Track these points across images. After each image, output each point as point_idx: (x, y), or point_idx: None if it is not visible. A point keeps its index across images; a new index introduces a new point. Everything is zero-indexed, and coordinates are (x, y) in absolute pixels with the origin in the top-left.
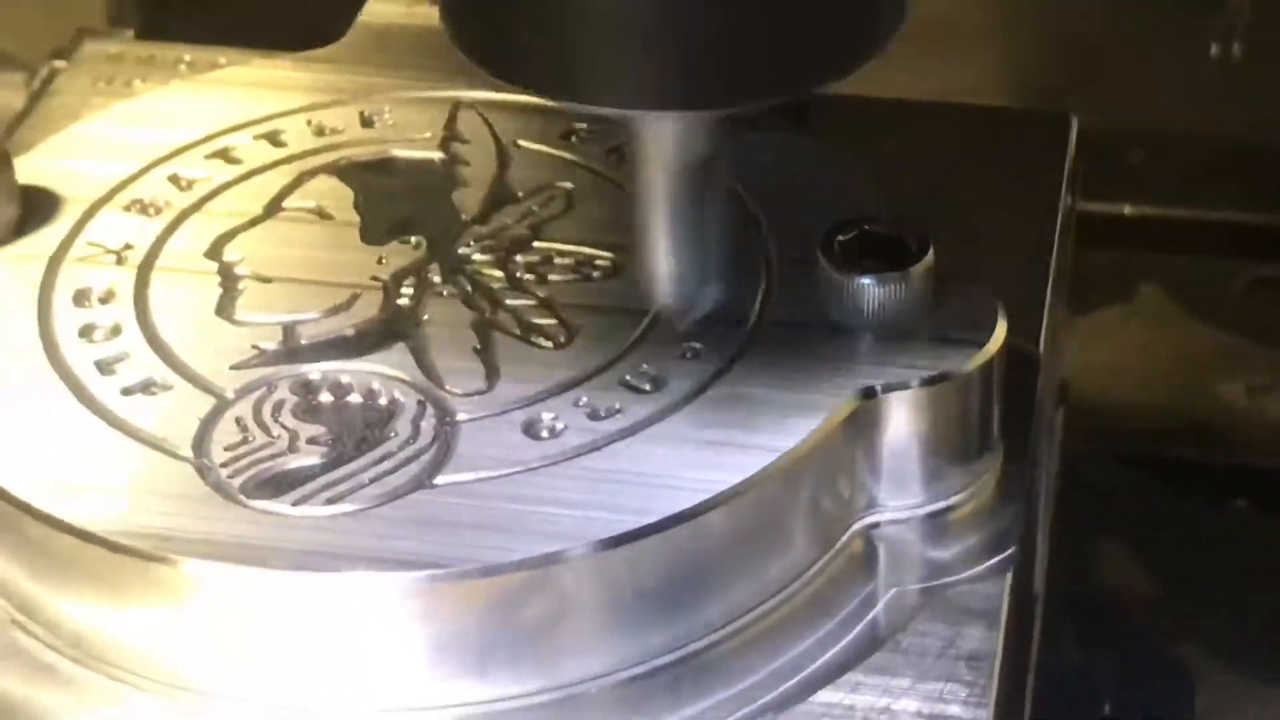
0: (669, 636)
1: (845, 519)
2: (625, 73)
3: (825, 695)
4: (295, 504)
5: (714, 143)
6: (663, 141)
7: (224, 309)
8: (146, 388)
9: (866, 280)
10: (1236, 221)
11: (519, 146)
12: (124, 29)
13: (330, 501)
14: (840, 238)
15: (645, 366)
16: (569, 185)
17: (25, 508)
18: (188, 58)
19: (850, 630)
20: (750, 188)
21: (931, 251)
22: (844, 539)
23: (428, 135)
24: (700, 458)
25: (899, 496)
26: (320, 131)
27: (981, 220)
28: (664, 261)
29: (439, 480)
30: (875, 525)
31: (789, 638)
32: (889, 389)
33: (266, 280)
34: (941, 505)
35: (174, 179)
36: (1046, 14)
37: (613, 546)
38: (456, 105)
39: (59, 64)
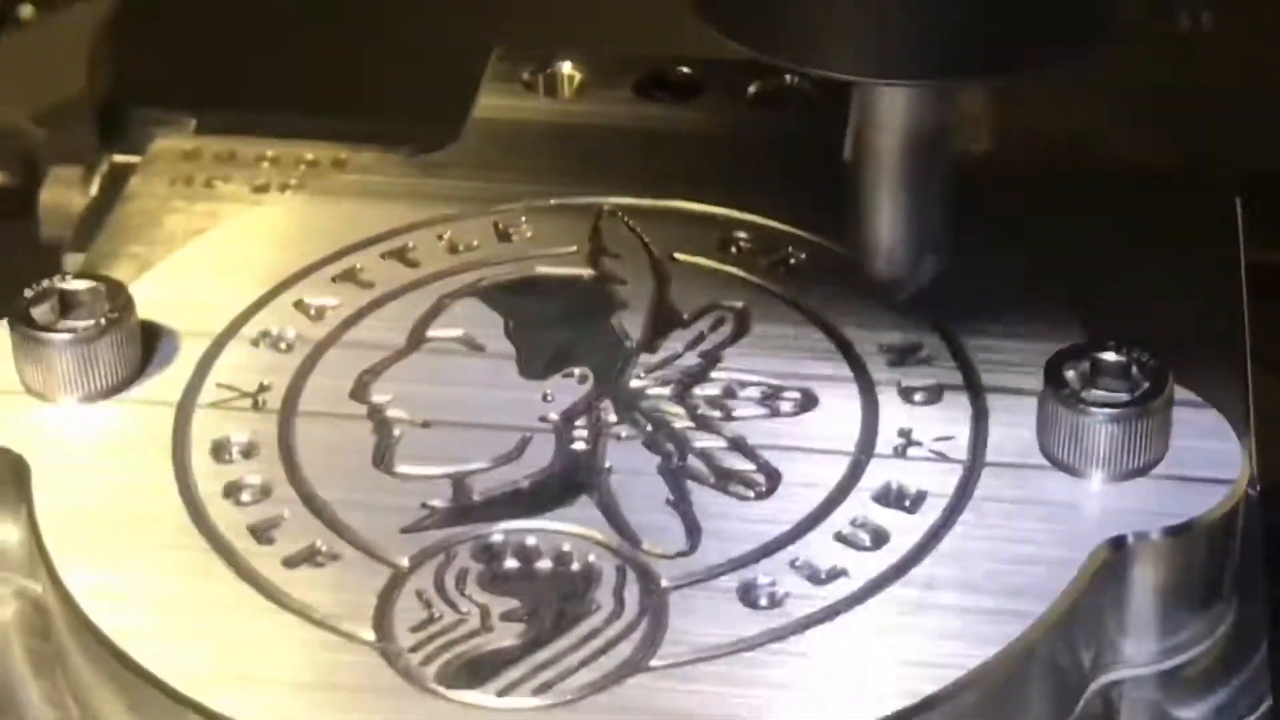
0: None
1: (1086, 679)
2: (871, 43)
3: None
4: (500, 694)
5: (945, 113)
6: (897, 111)
7: (382, 460)
8: (311, 558)
9: (1102, 418)
10: None
11: (675, 260)
12: (181, 118)
13: (538, 691)
14: (1069, 370)
15: (861, 517)
16: (738, 304)
17: (192, 705)
18: (270, 153)
19: None
20: (947, 310)
21: (1171, 383)
22: (1084, 700)
23: (573, 249)
24: (945, 626)
25: (1137, 651)
26: (454, 248)
27: (1166, 310)
28: (887, 232)
29: (655, 662)
30: (1115, 683)
31: None
32: (1140, 538)
33: (424, 425)
34: (1183, 659)
35: (301, 306)
36: None
37: None
38: (599, 213)
39: (120, 159)
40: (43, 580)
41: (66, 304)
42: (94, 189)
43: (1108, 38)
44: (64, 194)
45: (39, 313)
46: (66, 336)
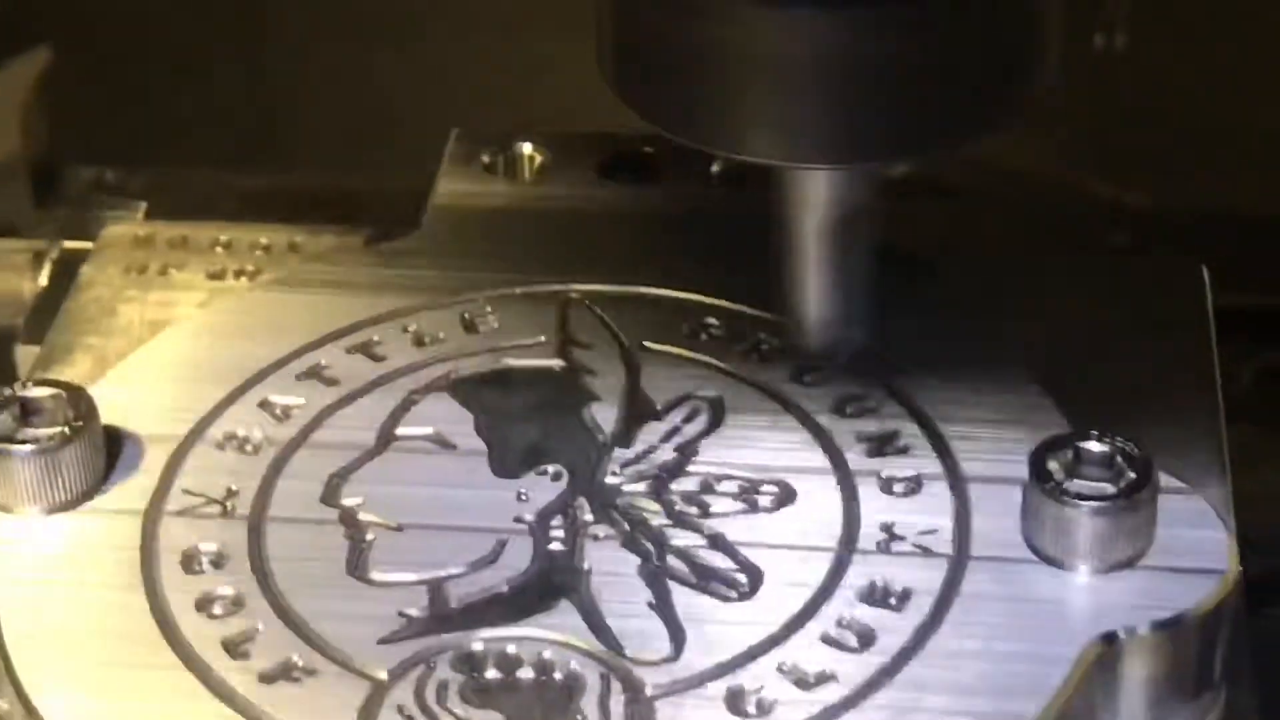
0: None
1: None
2: (786, 125)
3: None
4: None
5: (865, 193)
6: (817, 193)
7: (356, 567)
8: (288, 673)
9: (1088, 510)
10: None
11: (646, 348)
12: (130, 201)
13: None
14: (1052, 461)
15: (847, 617)
16: (712, 394)
17: None
18: (224, 238)
19: None
20: (925, 396)
21: (1158, 474)
22: None
23: (541, 339)
24: None
25: None
26: (420, 340)
27: (1141, 391)
28: (813, 309)
29: None
30: None
31: None
32: (1130, 633)
33: (398, 528)
34: None
35: (266, 405)
36: None
37: None
38: (565, 302)
39: (69, 244)
40: (10, 700)
41: (27, 410)
42: (43, 276)
43: (1021, 113)
44: (12, 280)
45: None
46: (29, 448)
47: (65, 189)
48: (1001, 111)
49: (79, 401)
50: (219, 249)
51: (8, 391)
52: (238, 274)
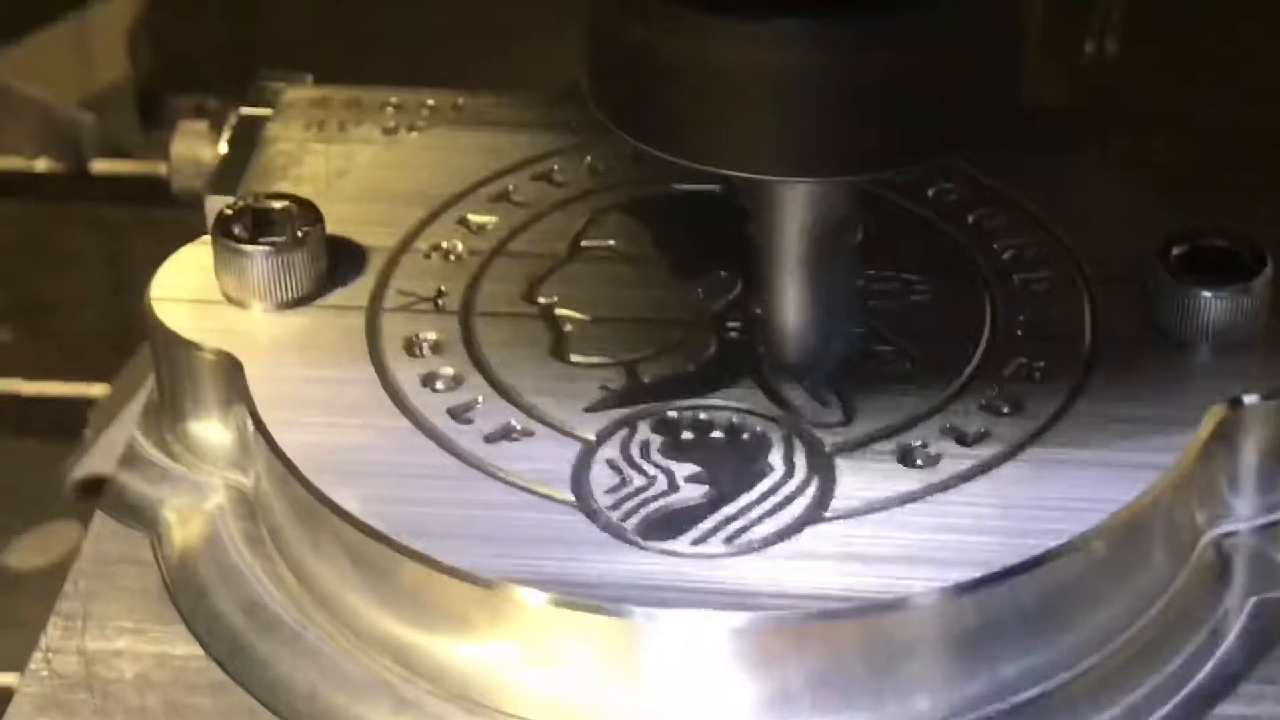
0: (1047, 659)
1: (1200, 531)
2: (766, 139)
3: (1226, 708)
4: (695, 543)
5: (846, 205)
6: (799, 206)
7: (558, 351)
8: (507, 434)
9: (1208, 294)
10: None
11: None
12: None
13: (729, 540)
14: (1175, 251)
15: (998, 388)
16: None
17: (419, 557)
18: (393, 100)
19: (1221, 642)
20: (1049, 213)
21: (1270, 264)
22: (1198, 551)
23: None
24: (1084, 477)
25: (1246, 505)
26: (594, 170)
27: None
28: (793, 319)
29: (829, 513)
30: (1226, 535)
31: (1161, 655)
32: (1269, 397)
33: (592, 321)
34: None
35: (464, 223)
36: None
37: (1032, 568)
38: None
39: (248, 111)
40: (256, 466)
41: (259, 220)
42: (223, 142)
43: (999, 127)
44: (194, 146)
45: (238, 229)
46: (264, 248)
47: (168, 115)
48: (981, 124)
49: (307, 210)
50: (389, 108)
51: (244, 201)
52: (409, 129)
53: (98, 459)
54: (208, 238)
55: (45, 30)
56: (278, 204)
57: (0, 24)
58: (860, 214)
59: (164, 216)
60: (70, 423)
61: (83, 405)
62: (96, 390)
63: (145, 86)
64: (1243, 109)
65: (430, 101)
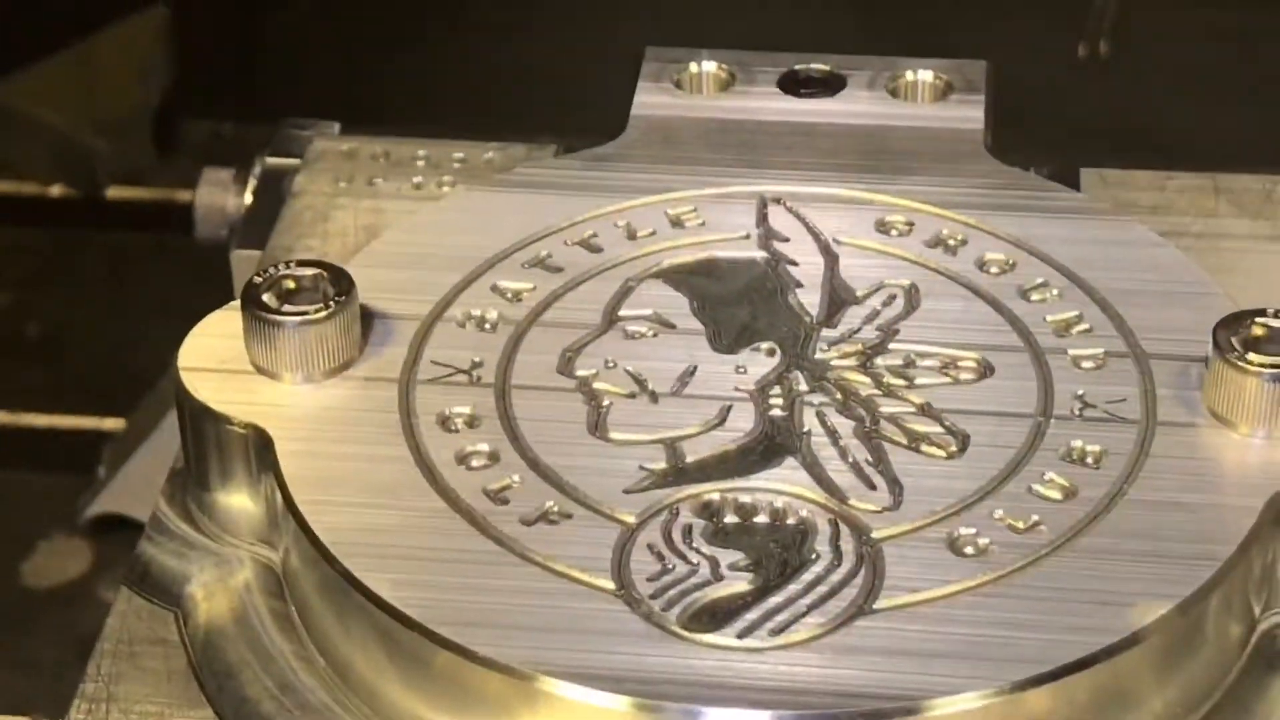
0: None
1: (1256, 620)
2: None
3: None
4: (740, 635)
5: None
6: None
7: (596, 428)
8: (545, 516)
9: (1267, 376)
10: None
11: (841, 243)
12: (318, 121)
13: (775, 632)
14: (1233, 335)
15: (1050, 475)
16: (905, 282)
17: (455, 647)
18: (422, 152)
19: None
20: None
21: None
22: (1254, 641)
23: (743, 235)
24: (1140, 570)
25: None
26: (632, 234)
27: None
28: None
29: (879, 605)
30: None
31: None
32: None
33: (631, 395)
34: None
35: (498, 290)
36: None
37: (1083, 669)
38: (763, 201)
39: (273, 161)
40: (285, 542)
41: (288, 289)
42: (248, 193)
43: None
44: (218, 195)
45: (268, 297)
46: (296, 319)
47: (184, 141)
48: None
49: (339, 279)
50: (419, 162)
51: (273, 270)
52: (438, 184)
53: (113, 497)
54: (236, 304)
55: (58, 55)
56: (309, 270)
57: (13, 49)
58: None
59: (178, 242)
60: (84, 457)
61: (95, 438)
62: (110, 424)
63: (160, 111)
64: None
65: (459, 154)
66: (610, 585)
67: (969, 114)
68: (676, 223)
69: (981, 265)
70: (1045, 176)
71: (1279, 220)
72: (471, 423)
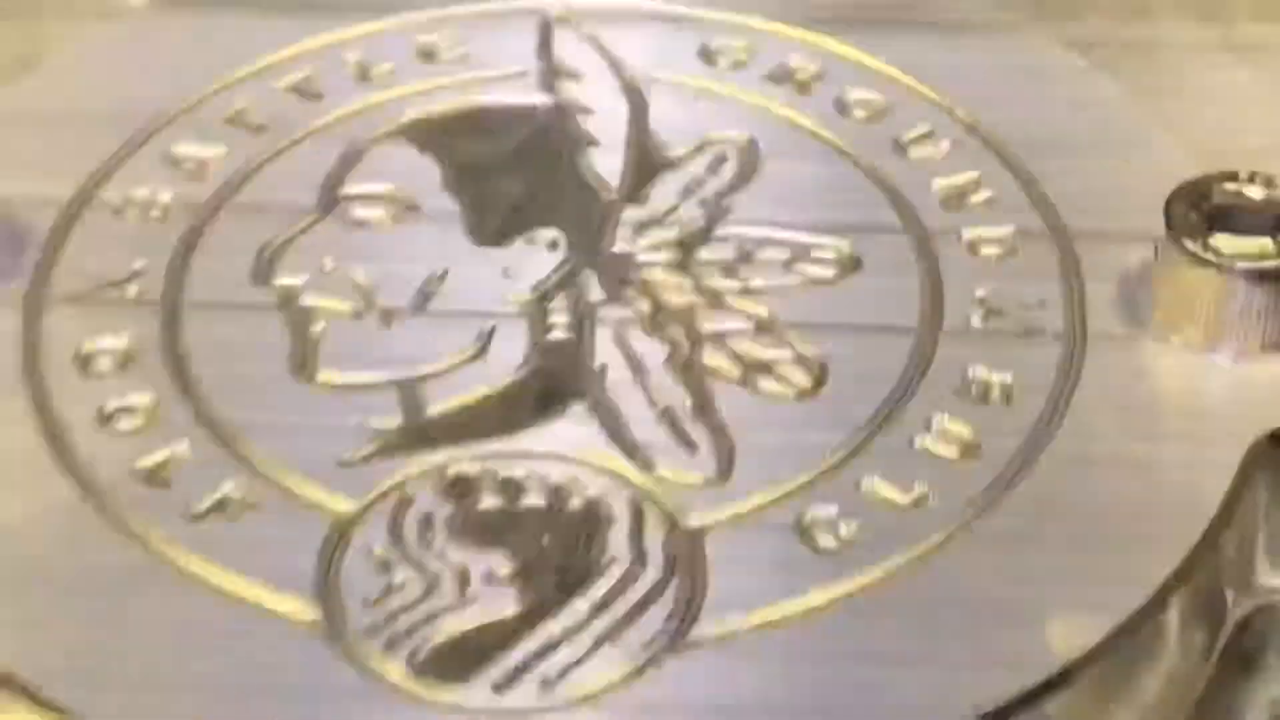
0: None
1: (1227, 609)
2: None
3: None
4: (497, 689)
5: None
6: None
7: (303, 365)
8: (220, 507)
9: (1240, 274)
10: None
11: (654, 80)
12: None
13: (548, 683)
14: (1188, 211)
15: (942, 419)
16: (739, 135)
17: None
18: None
19: None
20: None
21: None
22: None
23: (518, 69)
24: (1072, 565)
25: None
26: (364, 73)
27: None
28: None
29: (699, 633)
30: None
31: None
32: None
33: (354, 315)
34: None
35: (173, 159)
36: None
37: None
38: (546, 23)
39: None
40: None
41: None
42: None
43: None
44: None
45: None
46: None
47: None
48: None
49: None
50: None
51: None
52: None
53: None
54: None
55: None
56: None
57: None
58: None
59: None
60: None
61: None
62: None
63: None
64: None
65: None
66: (309, 612)
67: None
68: (427, 54)
69: (843, 108)
70: None
71: (1235, 23)
72: (124, 363)
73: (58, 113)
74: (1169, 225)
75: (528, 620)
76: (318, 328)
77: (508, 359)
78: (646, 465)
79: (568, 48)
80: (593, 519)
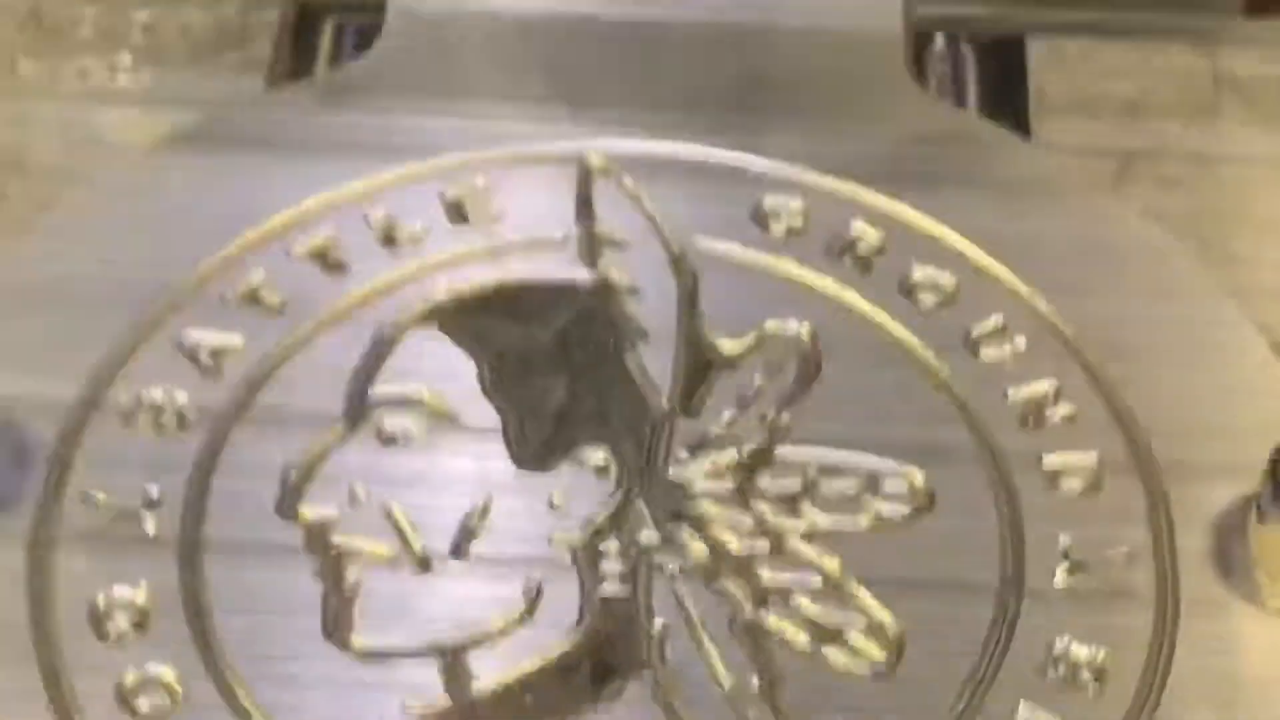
0: None
1: None
2: None
3: None
4: None
5: None
6: None
7: (336, 624)
8: None
9: None
10: None
11: (703, 252)
12: None
13: None
14: None
15: (1026, 708)
16: (799, 328)
17: None
18: (90, 11)
19: None
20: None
21: None
22: None
23: (556, 235)
24: None
25: None
26: (389, 235)
27: None
28: None
29: None
30: None
31: None
32: None
33: (391, 562)
34: None
35: (186, 350)
36: None
37: None
38: (585, 175)
39: None
40: None
41: None
42: None
43: None
44: None
45: None
46: None
47: None
48: None
49: None
50: (83, 28)
51: None
52: (111, 72)
53: None
54: None
55: None
56: None
57: None
58: None
59: None
60: None
61: None
62: None
63: None
64: None
65: (144, 17)
66: None
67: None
68: (457, 210)
69: (908, 291)
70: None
71: None
72: (141, 622)
73: (60, 283)
74: (1273, 479)
75: None
76: (351, 577)
77: (557, 617)
78: None
79: (608, 207)
80: None
